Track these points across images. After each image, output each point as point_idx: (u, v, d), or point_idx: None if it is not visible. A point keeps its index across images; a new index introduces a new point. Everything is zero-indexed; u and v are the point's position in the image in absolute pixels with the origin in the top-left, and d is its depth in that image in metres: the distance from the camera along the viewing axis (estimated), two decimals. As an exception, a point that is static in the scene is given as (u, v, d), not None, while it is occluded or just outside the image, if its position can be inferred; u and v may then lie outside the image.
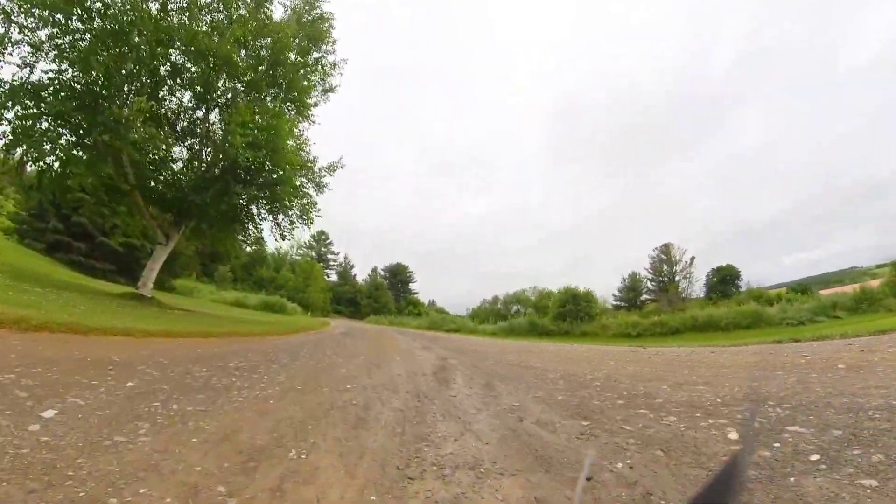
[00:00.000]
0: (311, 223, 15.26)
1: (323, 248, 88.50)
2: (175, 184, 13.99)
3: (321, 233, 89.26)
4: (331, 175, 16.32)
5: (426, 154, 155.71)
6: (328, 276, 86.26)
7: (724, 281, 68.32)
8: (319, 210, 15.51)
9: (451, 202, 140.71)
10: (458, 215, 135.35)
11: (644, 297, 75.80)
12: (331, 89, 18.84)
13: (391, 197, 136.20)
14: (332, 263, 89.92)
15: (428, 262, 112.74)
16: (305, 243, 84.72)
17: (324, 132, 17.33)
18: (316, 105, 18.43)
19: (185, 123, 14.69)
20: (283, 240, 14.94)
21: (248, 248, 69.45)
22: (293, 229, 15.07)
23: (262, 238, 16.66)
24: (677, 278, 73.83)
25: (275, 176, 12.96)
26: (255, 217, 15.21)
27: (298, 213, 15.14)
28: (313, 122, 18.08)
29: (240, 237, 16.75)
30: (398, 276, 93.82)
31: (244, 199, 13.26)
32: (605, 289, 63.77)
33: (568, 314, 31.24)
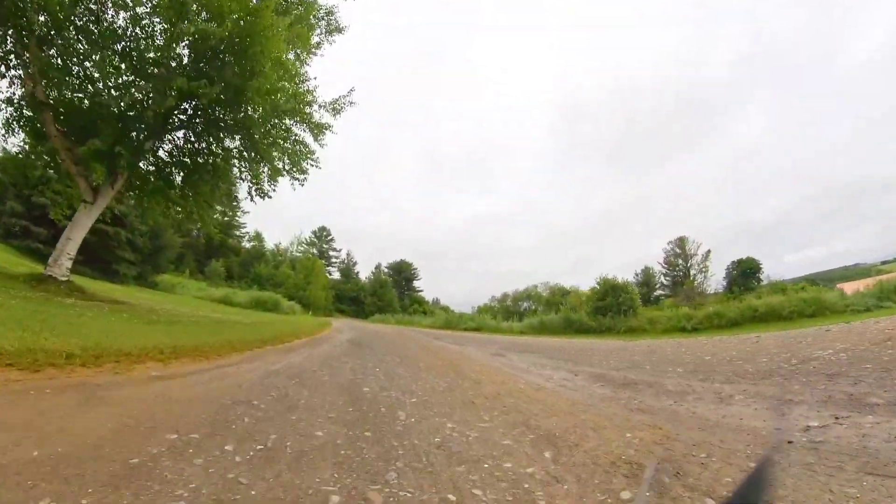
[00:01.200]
0: (305, 175, 10.51)
1: (324, 245, 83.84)
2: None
3: (322, 229, 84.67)
4: (335, 115, 11.56)
5: (428, 155, 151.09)
6: (330, 274, 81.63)
7: (745, 274, 64.80)
8: (318, 158, 10.75)
9: (452, 202, 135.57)
10: (458, 215, 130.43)
11: (658, 292, 72.11)
12: (338, 29, 14.15)
13: (392, 198, 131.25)
14: (334, 261, 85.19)
15: (429, 261, 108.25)
16: (306, 240, 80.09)
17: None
18: (319, 45, 13.74)
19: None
20: (263, 198, 10.19)
21: (248, 244, 64.50)
22: (277, 177, 10.23)
23: (237, 198, 11.74)
24: (693, 272, 70.39)
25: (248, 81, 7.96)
26: (221, 161, 10.21)
27: (288, 161, 10.38)
28: (314, 54, 13.36)
29: (210, 200, 11.79)
30: (402, 274, 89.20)
31: (199, 124, 8.48)
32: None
33: (609, 308, 26.55)
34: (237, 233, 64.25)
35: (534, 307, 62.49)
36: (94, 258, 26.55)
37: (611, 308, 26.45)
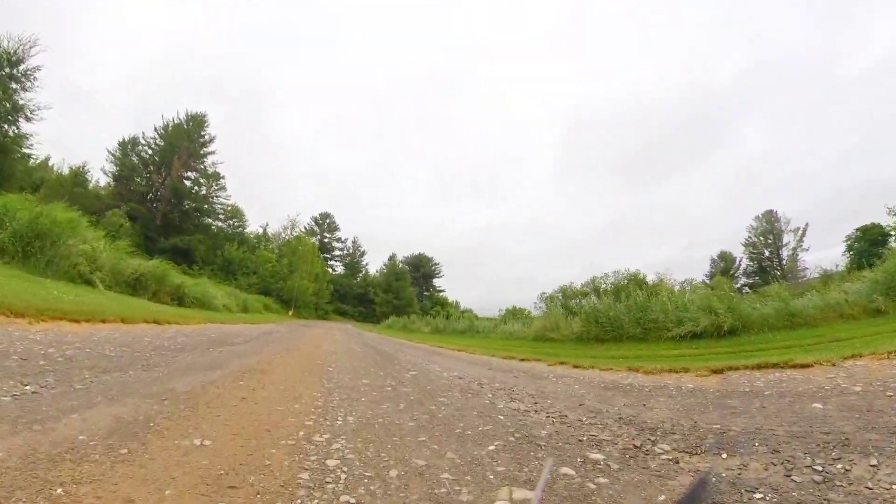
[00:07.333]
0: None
1: (326, 234, 65.68)
2: None
3: (325, 215, 66.69)
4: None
5: (437, 166, 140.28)
6: (333, 270, 63.18)
7: (874, 243, 45.12)
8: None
9: (460, 212, 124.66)
10: (466, 227, 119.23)
11: (742, 280, 54.16)
12: None
13: (398, 206, 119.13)
14: (337, 253, 67.01)
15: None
16: (304, 227, 61.81)
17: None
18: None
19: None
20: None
21: (225, 224, 46.40)
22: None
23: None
24: (786, 252, 52.52)
25: None
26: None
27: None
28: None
29: None
30: (421, 270, 70.20)
31: None
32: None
33: None
34: (209, 208, 45.44)
35: (597, 302, 42.15)
36: None
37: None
